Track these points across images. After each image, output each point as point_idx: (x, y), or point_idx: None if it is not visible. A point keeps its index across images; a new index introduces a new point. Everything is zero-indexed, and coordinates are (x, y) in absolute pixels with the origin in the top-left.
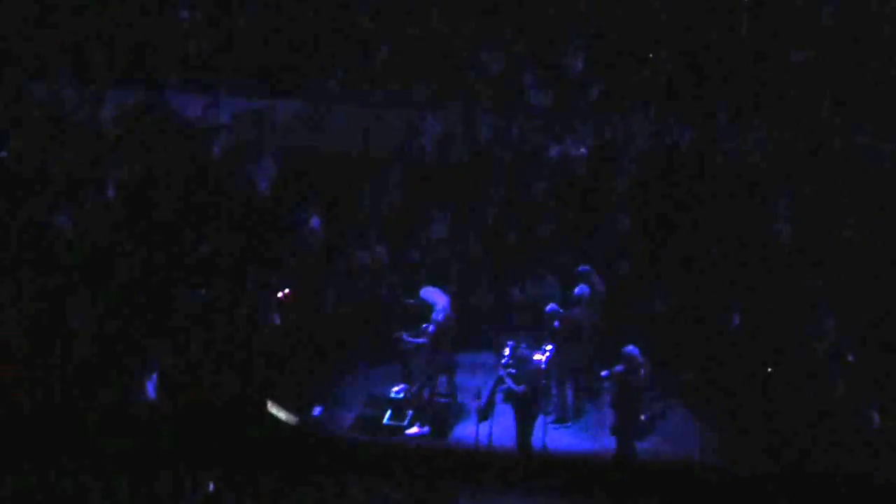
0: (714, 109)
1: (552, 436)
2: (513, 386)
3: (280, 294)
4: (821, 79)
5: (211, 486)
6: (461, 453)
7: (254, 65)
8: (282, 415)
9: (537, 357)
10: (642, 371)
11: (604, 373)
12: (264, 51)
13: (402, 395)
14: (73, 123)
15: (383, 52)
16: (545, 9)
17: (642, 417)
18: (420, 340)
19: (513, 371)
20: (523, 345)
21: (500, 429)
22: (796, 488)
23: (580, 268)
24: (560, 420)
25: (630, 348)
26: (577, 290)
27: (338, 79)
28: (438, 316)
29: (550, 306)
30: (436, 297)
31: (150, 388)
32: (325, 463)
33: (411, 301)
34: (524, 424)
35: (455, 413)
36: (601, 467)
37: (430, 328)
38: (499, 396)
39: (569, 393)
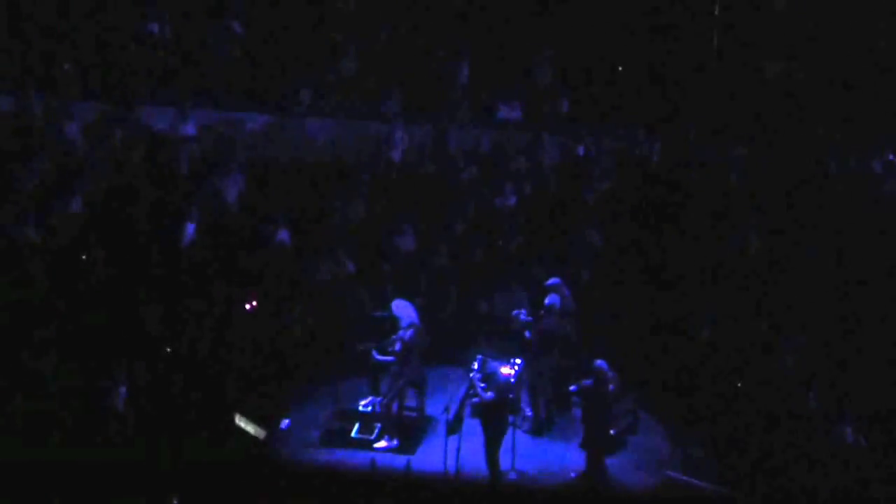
0: (684, 124)
1: (521, 450)
2: (482, 393)
3: (248, 306)
4: (793, 93)
5: (175, 502)
6: (429, 480)
7: (222, 77)
8: (250, 428)
9: (506, 370)
10: (611, 385)
11: (572, 387)
12: (233, 62)
13: (370, 408)
14: (42, 136)
15: (352, 64)
16: (515, 22)
17: (612, 432)
18: (389, 359)
19: (483, 385)
20: (491, 358)
21: (469, 443)
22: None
23: (550, 280)
24: (529, 433)
25: (599, 362)
26: (547, 300)
27: (307, 91)
28: (407, 332)
29: (517, 312)
30: (405, 311)
31: (119, 402)
32: (291, 484)
33: (380, 314)
34: (493, 439)
35: (424, 427)
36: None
37: (397, 346)
38: (467, 410)
39: (539, 406)
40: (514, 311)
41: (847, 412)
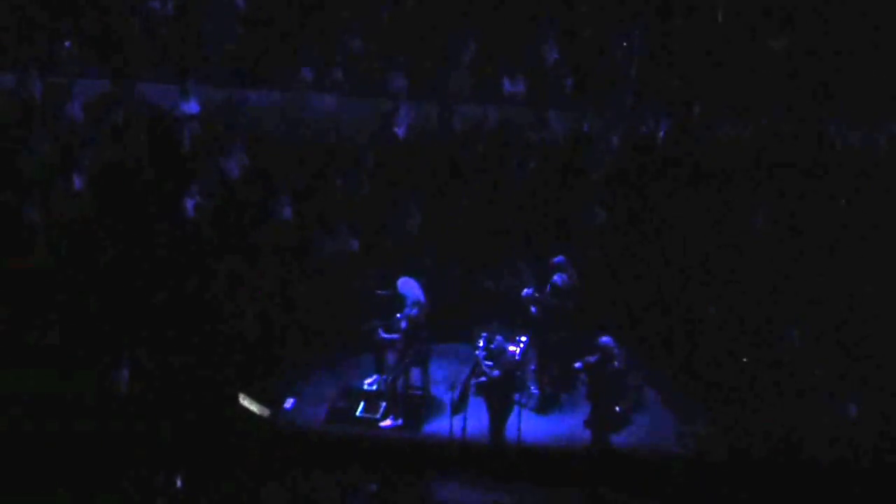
0: (691, 99)
1: (526, 428)
2: (488, 371)
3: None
4: (799, 67)
5: (178, 480)
6: (434, 445)
7: (226, 54)
8: (254, 407)
9: (512, 348)
10: (617, 361)
11: (578, 364)
12: (236, 39)
13: (375, 386)
14: (43, 114)
15: (357, 40)
16: None
17: (617, 409)
18: (395, 336)
19: (488, 363)
20: (497, 336)
21: (474, 421)
22: (772, 479)
23: (556, 258)
24: (535, 411)
25: (605, 339)
26: (555, 277)
27: (311, 67)
28: (412, 310)
29: (527, 291)
30: (411, 289)
31: (123, 382)
32: (298, 455)
33: (384, 292)
34: (498, 416)
35: (429, 405)
36: (574, 458)
37: (403, 324)
38: (473, 388)
39: (545, 383)
40: (524, 292)
41: (852, 387)
